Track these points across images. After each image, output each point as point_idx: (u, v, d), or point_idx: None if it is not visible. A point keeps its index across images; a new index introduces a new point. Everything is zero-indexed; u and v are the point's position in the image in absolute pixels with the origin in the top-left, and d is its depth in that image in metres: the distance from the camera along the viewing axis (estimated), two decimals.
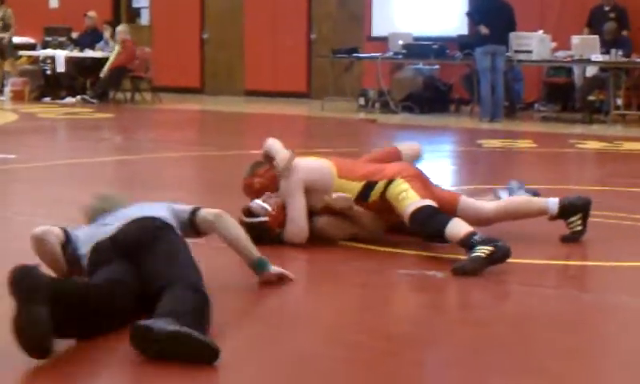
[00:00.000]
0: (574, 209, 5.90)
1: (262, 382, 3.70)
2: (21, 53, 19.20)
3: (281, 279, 4.94)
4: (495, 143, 11.79)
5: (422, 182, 5.75)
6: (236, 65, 19.66)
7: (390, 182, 5.72)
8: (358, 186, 5.80)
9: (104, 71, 17.38)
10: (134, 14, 21.21)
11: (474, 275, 5.07)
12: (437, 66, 16.44)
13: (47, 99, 17.82)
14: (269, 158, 6.02)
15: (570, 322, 4.53)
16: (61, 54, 17.91)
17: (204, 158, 10.69)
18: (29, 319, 3.66)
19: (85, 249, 4.49)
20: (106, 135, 13.28)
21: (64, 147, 12.34)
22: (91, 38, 18.57)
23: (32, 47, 19.50)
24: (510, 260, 5.21)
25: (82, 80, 18.02)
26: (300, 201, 5.80)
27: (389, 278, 5.33)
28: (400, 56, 15.99)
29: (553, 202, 5.93)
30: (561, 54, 14.79)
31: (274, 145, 6.04)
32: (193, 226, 4.76)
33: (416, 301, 5.04)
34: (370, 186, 5.78)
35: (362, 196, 5.79)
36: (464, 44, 15.48)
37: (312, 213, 5.85)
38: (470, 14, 15.43)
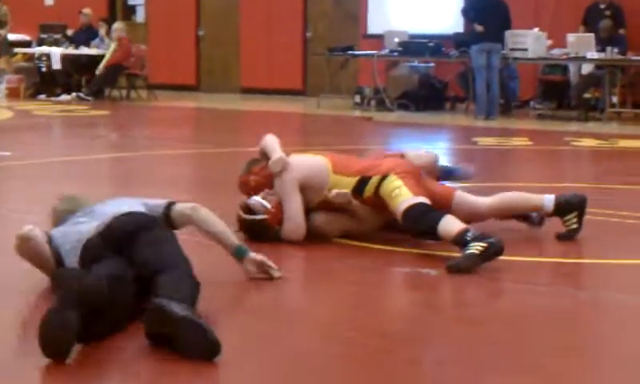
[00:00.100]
0: (570, 207, 5.91)
1: (257, 379, 3.71)
2: (16, 50, 19.16)
3: (264, 270, 4.92)
4: (491, 141, 11.80)
5: (416, 178, 5.74)
6: (232, 62, 19.64)
7: (383, 178, 5.72)
8: (352, 181, 5.81)
9: (100, 69, 17.35)
10: (130, 12, 21.18)
11: (468, 272, 5.07)
12: (432, 64, 16.42)
13: (42, 96, 17.77)
14: (265, 155, 6.01)
15: (564, 319, 4.54)
16: (56, 52, 17.88)
17: (200, 156, 10.68)
18: (59, 323, 3.65)
19: (67, 247, 4.50)
20: (102, 133, 13.27)
21: (59, 144, 12.33)
22: (86, 35, 18.54)
23: (27, 44, 19.46)
24: (504, 257, 5.22)
25: (78, 77, 17.98)
26: (295, 199, 5.80)
27: (383, 276, 5.34)
28: (395, 54, 15.98)
29: (548, 199, 5.93)
30: (556, 51, 14.79)
31: (271, 143, 6.03)
32: (167, 220, 4.75)
33: (410, 298, 5.04)
34: (364, 181, 5.78)
35: (357, 191, 5.80)
36: (459, 42, 15.46)
37: (308, 210, 5.85)
38: (465, 12, 15.42)
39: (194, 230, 4.87)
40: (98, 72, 17.36)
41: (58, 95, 17.59)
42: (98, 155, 10.41)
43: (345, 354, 3.95)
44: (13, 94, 17.88)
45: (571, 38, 14.46)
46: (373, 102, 16.10)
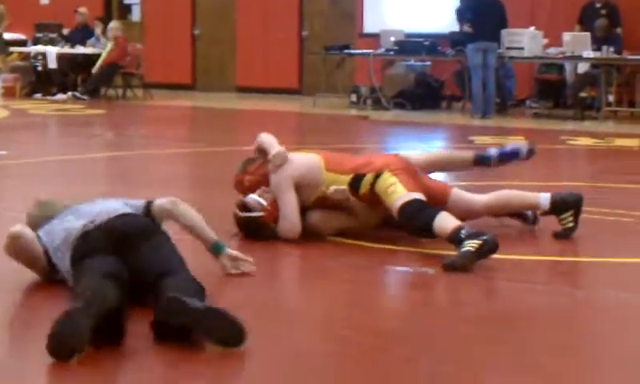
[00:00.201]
0: (566, 205, 5.91)
1: (254, 377, 3.70)
2: (12, 49, 19.14)
3: (237, 267, 4.91)
4: (487, 140, 11.78)
5: (411, 175, 5.74)
6: (227, 61, 19.63)
7: (378, 175, 5.72)
8: (346, 178, 5.80)
9: (96, 68, 17.34)
10: (125, 11, 21.17)
11: (464, 271, 5.07)
12: (428, 63, 16.43)
13: (38, 96, 17.77)
14: (262, 152, 6.01)
15: (562, 318, 4.53)
16: (52, 51, 17.86)
17: (195, 155, 10.68)
18: (73, 328, 3.64)
19: (55, 244, 4.51)
20: (98, 131, 13.26)
21: (55, 143, 12.32)
22: (82, 34, 18.53)
23: (23, 43, 19.44)
24: (501, 256, 5.22)
25: (74, 77, 17.97)
26: (291, 197, 5.79)
27: (379, 274, 5.34)
28: (392, 53, 15.98)
29: (544, 197, 5.93)
30: (552, 50, 14.80)
31: (268, 139, 6.04)
32: (148, 216, 4.78)
33: (406, 297, 5.03)
34: (358, 179, 5.78)
35: (352, 188, 5.79)
36: (455, 41, 15.46)
37: (304, 208, 5.84)
38: (458, 13, 15.42)
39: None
40: (94, 71, 17.35)
41: (54, 94, 17.58)
42: (94, 154, 10.40)
43: (340, 352, 3.94)
44: (9, 93, 17.87)
45: (567, 36, 14.46)
46: (369, 101, 16.10)
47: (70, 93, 17.47)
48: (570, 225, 5.90)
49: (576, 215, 5.90)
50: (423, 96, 16.02)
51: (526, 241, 5.95)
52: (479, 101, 14.50)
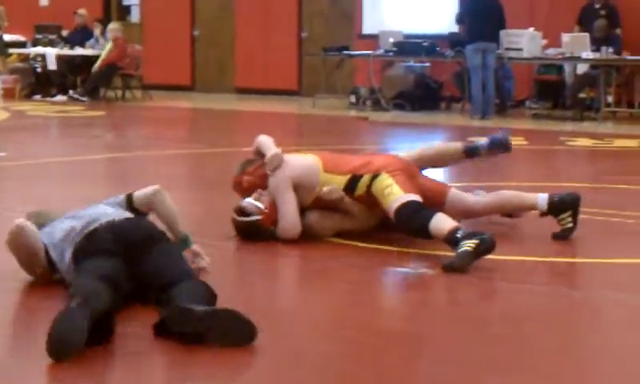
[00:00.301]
0: (564, 206, 5.91)
1: (254, 378, 3.71)
2: (11, 50, 19.13)
3: (195, 262, 4.94)
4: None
5: (408, 176, 5.74)
6: (227, 62, 19.64)
7: (375, 176, 5.72)
8: (343, 179, 5.81)
9: (95, 67, 17.32)
10: (125, 12, 21.17)
11: (463, 271, 5.07)
12: (428, 64, 16.42)
13: (38, 97, 17.77)
14: (260, 154, 6.02)
15: (560, 319, 4.54)
16: (51, 52, 17.86)
17: (194, 156, 10.68)
18: (71, 327, 3.65)
19: (54, 241, 4.52)
20: (97, 133, 13.25)
21: (54, 145, 12.32)
22: (81, 35, 18.53)
23: (22, 45, 19.44)
24: (500, 257, 5.22)
25: (73, 78, 17.97)
26: (289, 197, 5.80)
27: (379, 275, 5.34)
28: (391, 54, 15.99)
29: (542, 198, 5.93)
30: (551, 51, 14.79)
31: (265, 142, 6.05)
32: (130, 206, 4.87)
33: (406, 297, 5.03)
34: (355, 180, 5.79)
35: (348, 189, 5.80)
36: (455, 41, 15.47)
37: (302, 209, 5.85)
38: (459, 18, 15.41)
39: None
40: (93, 70, 17.33)
41: (54, 96, 17.58)
42: (94, 155, 10.40)
43: (341, 352, 3.95)
44: (8, 94, 17.86)
45: (566, 37, 14.46)
46: (368, 102, 16.10)
47: (70, 91, 17.46)
48: (569, 225, 5.90)
49: (574, 215, 5.91)
50: (422, 97, 16.01)
51: (524, 242, 5.96)
52: (478, 102, 14.51)
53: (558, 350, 4.00)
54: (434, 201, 5.73)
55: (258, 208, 5.78)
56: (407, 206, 5.51)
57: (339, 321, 4.43)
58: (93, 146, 11.40)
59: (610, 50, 14.10)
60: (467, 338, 4.18)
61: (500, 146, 6.25)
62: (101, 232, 4.45)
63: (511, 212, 6.17)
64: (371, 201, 5.76)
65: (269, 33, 18.96)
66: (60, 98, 17.40)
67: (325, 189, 5.79)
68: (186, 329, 3.80)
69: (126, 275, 4.27)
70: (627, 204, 7.19)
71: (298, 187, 5.83)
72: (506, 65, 15.30)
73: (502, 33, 14.56)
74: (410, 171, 5.82)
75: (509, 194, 6.10)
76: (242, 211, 5.81)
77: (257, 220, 5.76)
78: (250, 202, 5.82)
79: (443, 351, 4.02)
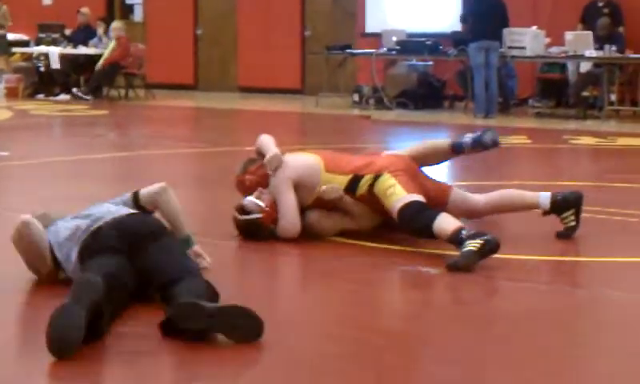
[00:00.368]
0: (567, 204, 5.89)
1: (256, 378, 3.70)
2: (14, 49, 19.14)
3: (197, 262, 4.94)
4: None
5: (410, 176, 5.73)
6: (230, 61, 19.64)
7: (377, 176, 5.72)
8: (344, 179, 5.81)
9: (98, 65, 17.32)
10: (128, 11, 21.18)
11: (467, 270, 5.07)
12: (431, 63, 16.42)
13: (41, 96, 17.77)
14: (261, 154, 6.03)
15: (563, 318, 4.53)
16: (55, 51, 17.86)
17: (197, 155, 10.68)
18: (69, 323, 3.66)
19: (59, 240, 4.52)
20: (100, 132, 13.26)
21: (58, 144, 12.32)
22: (84, 34, 18.53)
23: (25, 44, 19.45)
24: (503, 256, 5.22)
25: (76, 77, 17.97)
26: (290, 196, 5.80)
27: (382, 274, 5.33)
28: (394, 52, 15.98)
29: (544, 197, 5.92)
30: (554, 49, 14.78)
31: (266, 142, 6.05)
32: (136, 204, 4.87)
33: (409, 297, 5.03)
34: (356, 180, 5.78)
35: (349, 189, 5.80)
36: (458, 40, 15.46)
37: (302, 208, 5.85)
38: (463, 19, 15.39)
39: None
40: (96, 69, 17.33)
41: (57, 95, 17.59)
42: (97, 155, 10.40)
43: (344, 352, 3.94)
44: (11, 93, 17.87)
45: (569, 36, 14.45)
46: (371, 101, 16.09)
47: (74, 89, 17.47)
48: (572, 223, 5.89)
49: (577, 213, 5.89)
50: (425, 96, 16.01)
51: (528, 241, 5.95)
52: (482, 100, 14.50)
53: (560, 349, 4.00)
54: (437, 201, 5.72)
55: (259, 206, 5.78)
56: (410, 207, 5.51)
57: (342, 320, 4.43)
58: (96, 145, 11.40)
59: (614, 48, 14.09)
60: (470, 337, 4.18)
61: (482, 146, 6.16)
62: (105, 230, 4.45)
63: (513, 211, 6.16)
64: (373, 201, 5.76)
65: (272, 32, 18.95)
66: (63, 97, 17.41)
67: (323, 187, 5.78)
68: (196, 325, 3.79)
69: (130, 272, 4.27)
70: (631, 203, 7.18)
71: (298, 187, 5.83)
72: (509, 63, 15.29)
73: (505, 31, 14.56)
74: (413, 171, 5.81)
75: (511, 193, 6.09)
76: (242, 209, 5.81)
77: (257, 218, 5.76)
78: (250, 200, 5.82)
79: (446, 350, 4.01)
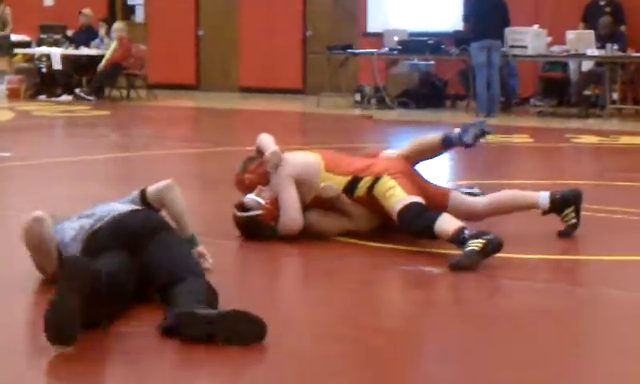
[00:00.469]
0: (566, 202, 5.89)
1: (257, 377, 3.70)
2: (16, 50, 19.15)
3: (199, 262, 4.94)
4: (491, 138, 11.76)
5: (410, 178, 5.73)
6: (231, 61, 19.64)
7: (377, 179, 5.71)
8: (343, 180, 5.81)
9: (101, 66, 17.33)
10: (129, 12, 21.19)
11: (470, 270, 5.06)
12: (432, 62, 16.41)
13: (43, 97, 17.78)
14: (261, 152, 6.03)
15: (565, 316, 4.53)
16: (56, 52, 17.87)
17: (199, 155, 10.69)
18: (64, 308, 3.66)
19: (65, 240, 4.52)
20: (102, 132, 13.26)
21: (60, 145, 12.33)
22: (86, 35, 18.53)
23: (27, 45, 19.46)
24: (505, 255, 5.21)
25: (78, 78, 17.98)
26: (291, 192, 5.80)
27: (384, 274, 5.33)
28: (395, 52, 15.98)
29: (544, 197, 5.91)
30: (556, 48, 14.78)
31: (266, 140, 6.06)
32: (144, 202, 4.87)
33: (411, 296, 5.02)
34: (355, 181, 5.78)
35: (348, 190, 5.79)
36: (459, 39, 15.46)
37: (302, 207, 5.84)
38: (466, 18, 15.39)
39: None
40: (99, 69, 17.34)
41: (59, 96, 17.60)
42: (99, 155, 10.40)
43: (345, 352, 3.94)
44: (13, 94, 17.88)
45: (571, 35, 14.45)
46: (373, 101, 16.09)
47: (76, 90, 17.47)
48: (573, 221, 5.88)
49: (577, 211, 5.89)
50: (427, 95, 16.01)
51: (529, 239, 5.94)
52: (483, 99, 14.49)
53: (561, 347, 4.00)
54: (437, 204, 5.72)
55: (259, 203, 5.78)
56: (410, 208, 5.50)
57: (345, 320, 4.42)
58: (98, 146, 11.40)
59: (615, 46, 14.08)
60: (471, 335, 4.18)
61: (465, 145, 6.06)
62: (104, 229, 4.45)
63: (513, 212, 6.14)
64: (371, 203, 5.75)
65: (273, 32, 18.95)
66: (65, 97, 17.42)
67: (321, 185, 5.78)
68: (195, 332, 3.80)
69: (131, 271, 4.26)
70: (634, 201, 7.18)
71: (298, 184, 5.83)
72: (511, 62, 15.29)
73: (507, 30, 14.55)
74: (412, 175, 5.81)
75: (510, 194, 6.08)
76: (242, 206, 5.81)
77: (257, 215, 5.76)
78: (250, 197, 5.82)
79: (447, 350, 4.01)
